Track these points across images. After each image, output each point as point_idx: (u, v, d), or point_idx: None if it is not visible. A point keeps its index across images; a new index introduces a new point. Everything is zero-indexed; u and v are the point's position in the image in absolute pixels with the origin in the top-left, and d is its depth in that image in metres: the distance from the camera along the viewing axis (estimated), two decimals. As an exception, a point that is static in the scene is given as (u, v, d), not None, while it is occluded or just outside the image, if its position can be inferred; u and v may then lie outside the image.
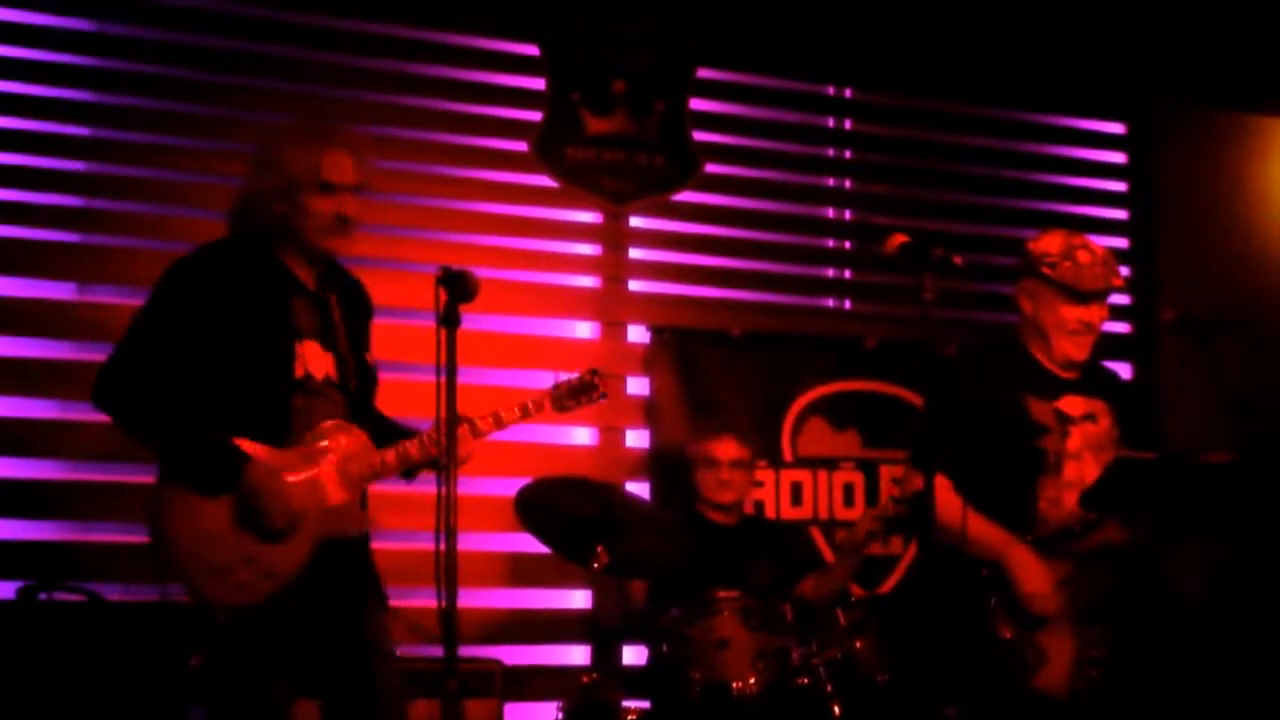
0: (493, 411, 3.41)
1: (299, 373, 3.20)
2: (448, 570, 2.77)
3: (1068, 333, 3.74)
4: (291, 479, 3.15)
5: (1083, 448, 3.72)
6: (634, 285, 5.44)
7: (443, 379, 2.87)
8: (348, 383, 3.30)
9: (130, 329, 3.16)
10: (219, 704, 3.13)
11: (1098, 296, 3.75)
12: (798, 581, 4.53)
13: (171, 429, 3.09)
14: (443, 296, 2.94)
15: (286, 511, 3.11)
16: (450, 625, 2.79)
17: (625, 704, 3.97)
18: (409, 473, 3.39)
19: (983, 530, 3.54)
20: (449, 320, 2.93)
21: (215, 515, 3.08)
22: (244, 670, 3.11)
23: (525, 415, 3.47)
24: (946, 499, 3.45)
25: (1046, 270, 3.73)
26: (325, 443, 3.23)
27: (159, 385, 3.08)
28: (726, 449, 4.62)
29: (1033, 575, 3.51)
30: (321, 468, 3.21)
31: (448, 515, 2.79)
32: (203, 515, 3.07)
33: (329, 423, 3.24)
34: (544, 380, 4.82)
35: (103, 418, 3.20)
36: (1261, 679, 4.85)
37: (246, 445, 3.12)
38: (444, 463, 2.90)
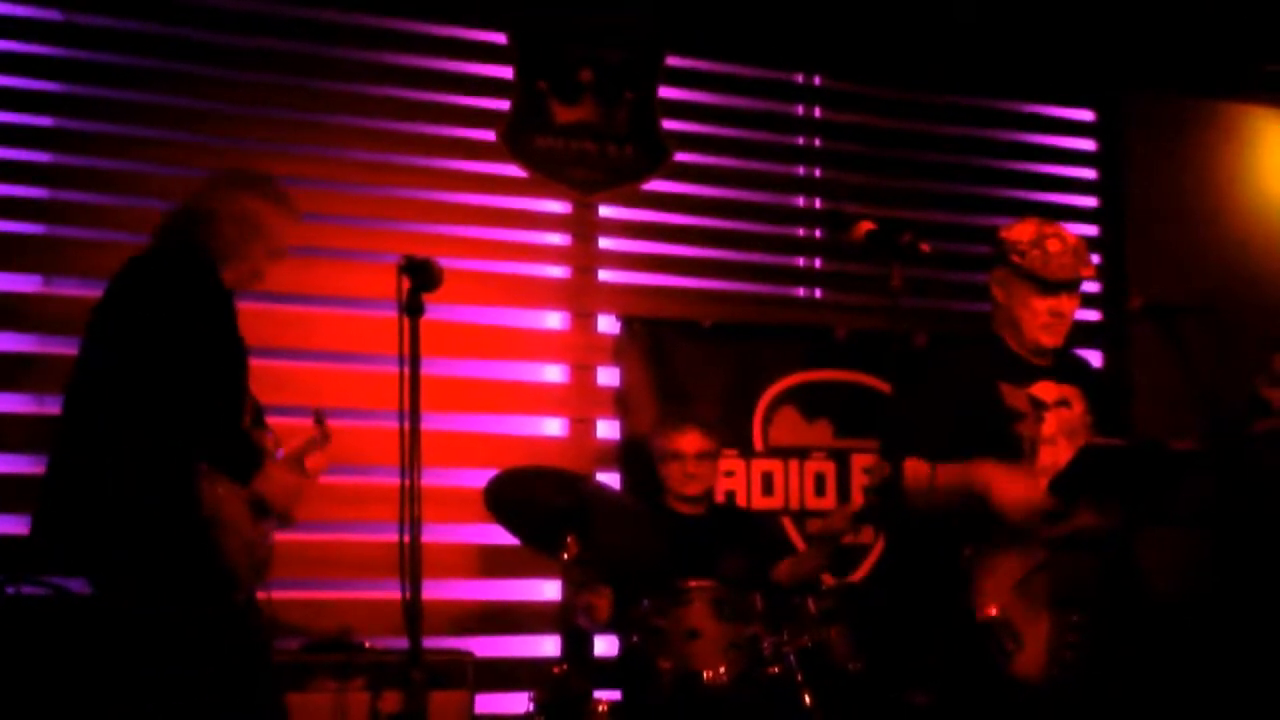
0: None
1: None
2: (411, 562, 2.78)
3: (1039, 324, 3.75)
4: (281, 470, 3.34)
5: (1057, 433, 3.72)
6: (604, 275, 5.41)
7: (406, 369, 2.88)
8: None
9: (179, 357, 3.13)
10: (220, 692, 3.15)
11: (1067, 286, 3.75)
12: (773, 565, 4.54)
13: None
14: (405, 285, 2.96)
15: (294, 495, 3.30)
16: (414, 617, 2.79)
17: (596, 695, 3.96)
18: None
19: (949, 473, 3.55)
20: (412, 309, 2.96)
21: (239, 501, 3.19)
22: (257, 655, 3.27)
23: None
24: (915, 466, 3.48)
25: (1016, 259, 3.74)
26: (263, 443, 3.38)
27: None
28: (691, 442, 4.58)
29: (1007, 482, 3.52)
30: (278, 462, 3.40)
31: (411, 507, 2.80)
32: (234, 501, 3.17)
33: (258, 428, 3.41)
34: (514, 371, 4.80)
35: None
36: (1234, 667, 4.88)
37: None
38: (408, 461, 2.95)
